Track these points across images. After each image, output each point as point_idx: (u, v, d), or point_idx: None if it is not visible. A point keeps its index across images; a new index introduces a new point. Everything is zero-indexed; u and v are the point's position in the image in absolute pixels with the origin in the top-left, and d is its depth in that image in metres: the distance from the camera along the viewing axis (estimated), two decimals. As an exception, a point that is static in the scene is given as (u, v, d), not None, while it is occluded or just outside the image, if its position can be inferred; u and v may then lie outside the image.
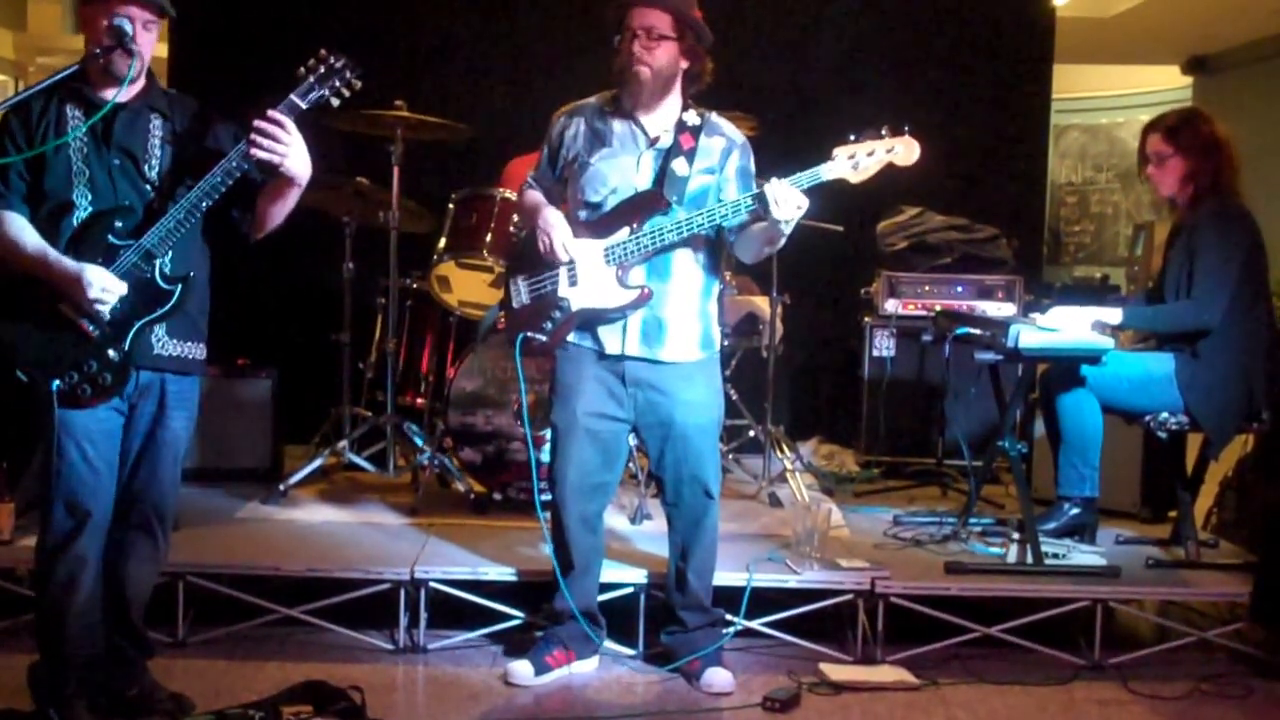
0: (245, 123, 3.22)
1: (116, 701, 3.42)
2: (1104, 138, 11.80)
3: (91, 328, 3.19)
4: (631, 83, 3.76)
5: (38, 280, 3.18)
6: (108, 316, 3.19)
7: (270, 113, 3.18)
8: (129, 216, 3.24)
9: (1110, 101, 11.64)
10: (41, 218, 3.21)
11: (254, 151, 3.18)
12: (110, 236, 3.21)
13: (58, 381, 3.15)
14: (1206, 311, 4.43)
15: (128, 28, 3.18)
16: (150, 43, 3.26)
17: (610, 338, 3.83)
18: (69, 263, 3.16)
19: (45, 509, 3.28)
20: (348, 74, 3.30)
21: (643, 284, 3.78)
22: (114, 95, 3.22)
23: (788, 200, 3.59)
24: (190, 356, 3.39)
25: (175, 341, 3.34)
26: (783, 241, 3.77)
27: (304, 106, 3.25)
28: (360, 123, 5.27)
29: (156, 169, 3.30)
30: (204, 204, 3.22)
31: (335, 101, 3.30)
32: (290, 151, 3.19)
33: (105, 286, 3.16)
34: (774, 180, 3.63)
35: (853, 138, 3.68)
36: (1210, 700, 3.96)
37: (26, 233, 3.19)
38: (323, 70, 3.28)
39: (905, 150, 3.67)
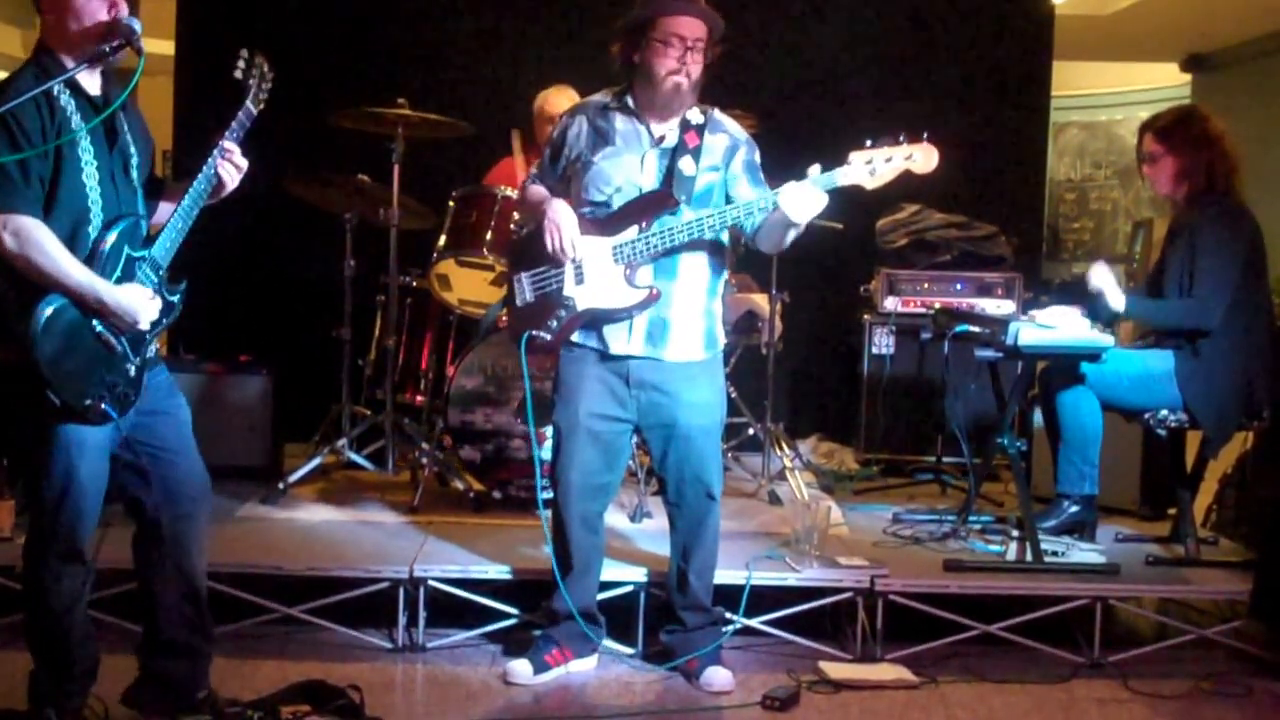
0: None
1: (184, 704, 3.40)
2: (1103, 135, 11.79)
3: (117, 345, 3.13)
4: (671, 92, 3.72)
5: (75, 300, 3.04)
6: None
7: (230, 143, 3.25)
8: (137, 225, 3.19)
9: (1109, 99, 11.63)
10: (60, 228, 3.03)
11: (223, 174, 3.25)
12: (128, 249, 3.13)
13: (90, 401, 3.06)
14: (1207, 312, 4.43)
15: (138, 26, 3.11)
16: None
17: (616, 338, 3.81)
18: (121, 294, 3.08)
19: (51, 529, 3.19)
20: (270, 77, 3.35)
21: (651, 284, 3.77)
22: (107, 92, 3.18)
23: (806, 203, 3.60)
24: (158, 349, 3.40)
25: (154, 342, 3.34)
26: (801, 230, 3.76)
27: (255, 114, 3.32)
28: (361, 120, 5.27)
29: (134, 167, 3.26)
30: (193, 214, 3.23)
31: (261, 106, 3.35)
32: (241, 175, 3.29)
33: (153, 315, 3.16)
34: (792, 185, 3.62)
35: (869, 143, 3.65)
36: (1210, 698, 3.96)
37: (65, 252, 3.02)
38: (257, 74, 3.32)
39: (924, 158, 3.64)
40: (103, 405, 3.09)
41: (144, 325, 3.15)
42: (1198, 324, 4.46)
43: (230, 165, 3.26)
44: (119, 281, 3.11)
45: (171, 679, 3.42)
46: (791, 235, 3.79)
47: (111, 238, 3.11)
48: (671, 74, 3.70)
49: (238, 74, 3.30)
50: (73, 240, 3.06)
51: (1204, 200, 4.53)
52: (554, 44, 6.58)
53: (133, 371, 3.17)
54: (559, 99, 5.26)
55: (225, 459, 5.32)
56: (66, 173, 3.07)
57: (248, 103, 3.30)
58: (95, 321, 3.09)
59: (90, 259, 3.08)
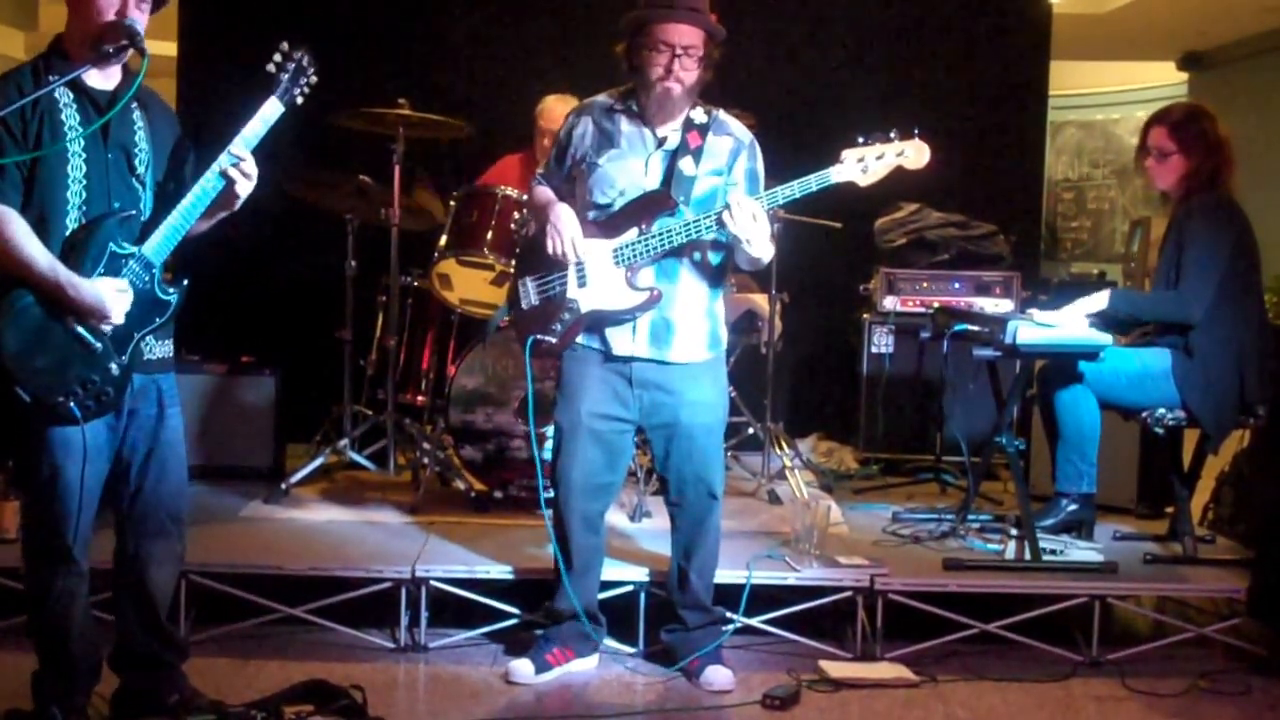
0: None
1: (157, 709, 3.40)
2: (1100, 134, 11.81)
3: (95, 342, 3.09)
4: (662, 98, 3.73)
5: (41, 292, 3.03)
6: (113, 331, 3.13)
7: (240, 150, 3.17)
8: (129, 222, 3.15)
9: (1106, 98, 11.66)
10: (31, 217, 3.03)
11: (236, 188, 3.18)
12: (113, 245, 3.10)
13: (62, 399, 3.04)
14: (1190, 305, 4.45)
15: (140, 27, 3.09)
16: (144, 21, 3.17)
17: (619, 339, 3.82)
18: (86, 286, 3.04)
19: (38, 528, 3.21)
20: (310, 72, 3.29)
21: (652, 285, 3.78)
22: (119, 89, 3.16)
23: (742, 215, 3.59)
24: (171, 355, 3.38)
25: (160, 343, 3.31)
26: (766, 252, 3.75)
27: (283, 109, 3.24)
28: (363, 121, 5.28)
29: (143, 165, 3.22)
30: (195, 214, 3.18)
31: (299, 101, 3.28)
32: (252, 184, 3.21)
33: (124, 308, 3.11)
34: (736, 195, 3.65)
35: (861, 140, 3.66)
36: (1207, 696, 3.98)
37: (33, 242, 3.01)
38: (293, 68, 3.26)
39: (915, 154, 3.66)
40: (72, 404, 3.06)
41: (115, 319, 3.09)
42: (1182, 317, 4.47)
43: (239, 174, 3.17)
44: (99, 277, 3.08)
45: (139, 688, 3.43)
46: (754, 261, 3.78)
47: (95, 231, 3.08)
48: (660, 80, 3.71)
49: (271, 67, 3.24)
50: (45, 229, 3.05)
51: (1195, 196, 4.54)
52: (556, 44, 6.59)
53: (115, 370, 3.13)
54: (558, 109, 5.22)
55: (228, 459, 5.38)
56: (46, 162, 3.04)
57: (274, 97, 3.22)
58: (70, 318, 3.06)
59: (70, 251, 3.05)
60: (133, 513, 3.33)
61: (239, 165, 3.18)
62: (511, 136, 5.84)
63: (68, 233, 3.09)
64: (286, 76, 3.26)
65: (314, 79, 3.30)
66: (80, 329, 3.08)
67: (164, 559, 3.40)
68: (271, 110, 3.23)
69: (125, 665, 3.45)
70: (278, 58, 3.26)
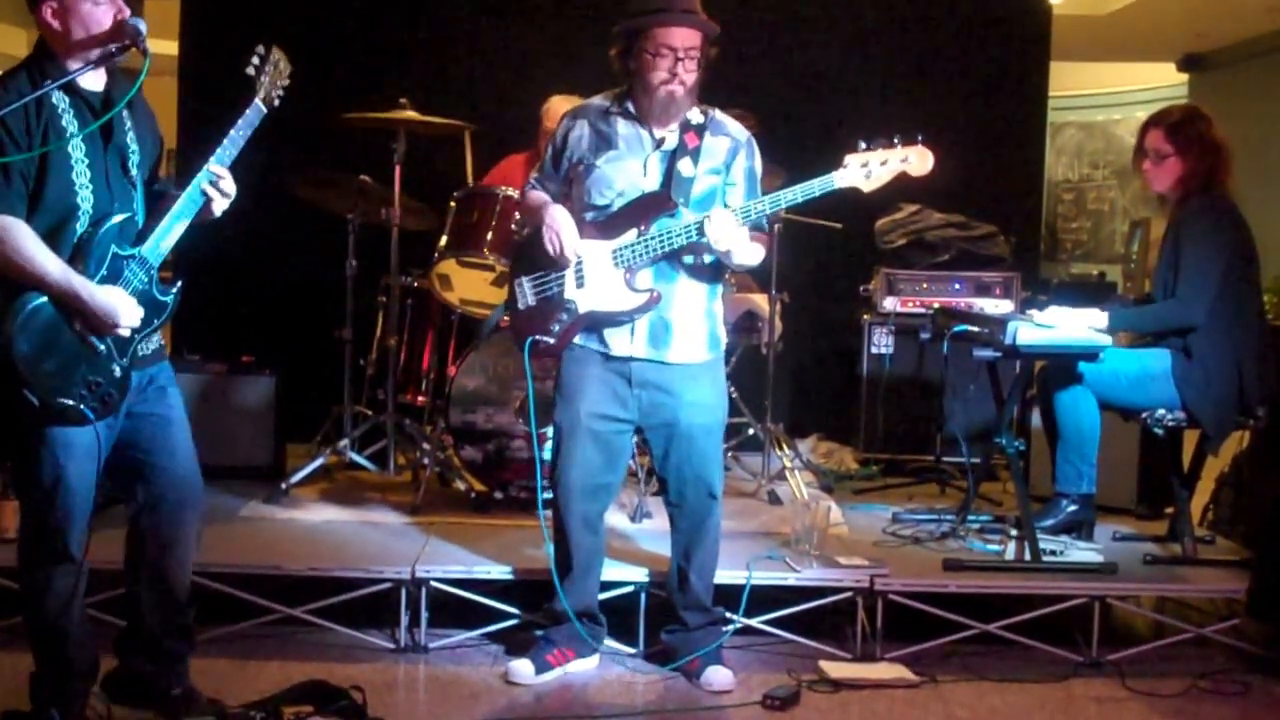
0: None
1: (161, 700, 3.41)
2: (1100, 135, 11.82)
3: (100, 345, 3.09)
4: (666, 101, 3.73)
5: (49, 296, 3.03)
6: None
7: (218, 167, 3.19)
8: (129, 224, 3.16)
9: (1106, 99, 11.68)
10: (44, 225, 3.03)
11: (213, 205, 3.21)
12: (114, 247, 3.10)
13: (70, 402, 3.04)
14: (1189, 310, 4.45)
15: (143, 27, 3.09)
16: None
17: (618, 340, 3.83)
18: (99, 293, 3.04)
19: (40, 528, 3.20)
20: (287, 72, 3.32)
21: (650, 287, 3.78)
22: (110, 90, 3.16)
23: (723, 232, 3.61)
24: (161, 345, 3.39)
25: (152, 338, 3.32)
26: (749, 259, 3.78)
27: (264, 110, 3.28)
28: (364, 121, 5.28)
29: (134, 165, 3.23)
30: (184, 221, 3.19)
31: (277, 102, 3.31)
32: (229, 202, 3.24)
33: (134, 319, 3.11)
34: (718, 211, 3.66)
35: (864, 145, 3.66)
36: (1207, 697, 3.98)
37: (44, 251, 3.00)
38: (270, 69, 3.28)
39: (919, 160, 3.65)
40: (81, 406, 3.06)
41: (123, 330, 3.10)
42: (1183, 322, 4.47)
43: (216, 192, 3.20)
44: (104, 280, 3.08)
45: (143, 675, 3.43)
46: (735, 263, 3.79)
47: (98, 234, 3.08)
48: (664, 84, 3.71)
49: (250, 70, 3.27)
50: (57, 236, 3.05)
51: (1192, 199, 4.54)
52: (557, 44, 6.58)
53: (118, 371, 3.14)
54: (563, 109, 5.21)
55: (228, 459, 5.37)
56: (53, 170, 3.05)
57: (257, 100, 3.26)
58: (77, 323, 3.06)
59: (74, 255, 3.06)
60: (149, 497, 3.32)
61: (217, 184, 3.20)
62: (514, 137, 5.85)
63: (76, 237, 3.09)
64: (265, 78, 3.29)
65: (288, 80, 3.34)
66: (87, 333, 3.08)
67: (183, 545, 3.40)
68: (254, 112, 3.26)
69: (133, 650, 3.45)
70: (255, 60, 3.29)
